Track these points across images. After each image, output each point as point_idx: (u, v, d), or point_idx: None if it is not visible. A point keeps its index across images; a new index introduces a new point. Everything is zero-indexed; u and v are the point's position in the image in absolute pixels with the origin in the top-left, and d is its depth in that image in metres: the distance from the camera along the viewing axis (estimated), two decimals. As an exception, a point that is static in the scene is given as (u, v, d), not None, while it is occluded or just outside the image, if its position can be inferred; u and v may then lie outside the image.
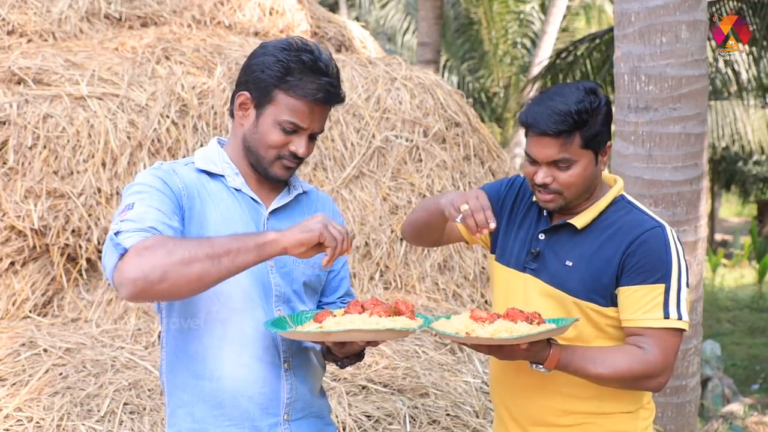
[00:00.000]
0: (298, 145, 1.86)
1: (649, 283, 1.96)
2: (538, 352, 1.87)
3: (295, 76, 1.82)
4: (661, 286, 1.96)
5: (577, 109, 1.93)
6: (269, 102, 1.84)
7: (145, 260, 1.62)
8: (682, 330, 1.98)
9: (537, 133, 1.97)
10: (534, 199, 2.15)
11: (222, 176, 1.91)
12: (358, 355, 1.91)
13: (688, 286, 2.01)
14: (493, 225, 1.92)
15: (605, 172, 2.15)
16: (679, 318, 1.96)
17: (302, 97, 1.83)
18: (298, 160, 1.89)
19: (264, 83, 1.84)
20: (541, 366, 1.92)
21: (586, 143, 1.97)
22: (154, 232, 1.69)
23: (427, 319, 1.82)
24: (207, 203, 1.86)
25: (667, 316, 1.95)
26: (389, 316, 1.76)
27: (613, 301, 2.01)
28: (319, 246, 1.70)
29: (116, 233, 1.68)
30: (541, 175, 1.99)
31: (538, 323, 1.83)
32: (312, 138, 1.89)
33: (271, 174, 1.89)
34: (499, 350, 1.85)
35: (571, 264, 2.03)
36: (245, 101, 1.88)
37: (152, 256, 1.62)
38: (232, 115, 1.93)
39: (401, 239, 4.39)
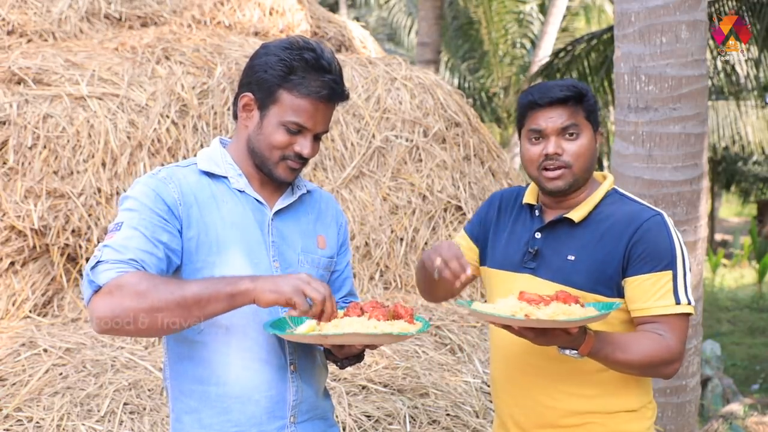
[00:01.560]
0: (303, 145, 1.85)
1: (658, 270, 1.97)
2: (578, 336, 1.85)
3: (298, 74, 1.81)
4: (669, 273, 1.98)
5: (574, 83, 2.06)
6: (273, 102, 1.83)
7: (116, 301, 1.64)
8: (690, 314, 2.00)
9: (546, 104, 2.04)
10: (525, 201, 2.17)
11: (225, 178, 1.89)
12: (358, 357, 1.90)
13: (690, 270, 2.03)
14: (469, 271, 1.88)
15: (595, 171, 2.18)
16: (689, 303, 1.99)
17: (306, 95, 1.81)
18: (303, 160, 1.88)
19: (267, 83, 1.83)
20: (575, 351, 1.89)
21: (588, 115, 2.06)
22: (133, 265, 1.69)
23: (427, 323, 1.81)
24: (207, 207, 1.84)
25: (678, 302, 1.97)
26: (388, 319, 1.75)
27: (619, 292, 2.02)
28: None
29: (95, 265, 1.69)
30: (552, 146, 2.03)
31: (581, 306, 1.81)
32: (317, 138, 1.88)
33: (275, 175, 1.88)
34: (543, 334, 1.81)
35: (573, 258, 2.04)
36: (249, 102, 1.87)
37: (124, 299, 1.63)
38: (235, 117, 1.92)
39: (401, 239, 4.40)
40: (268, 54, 1.85)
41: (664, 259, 1.98)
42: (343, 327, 1.69)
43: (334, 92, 1.84)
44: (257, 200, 1.90)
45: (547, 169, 2.05)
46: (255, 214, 1.89)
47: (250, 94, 1.86)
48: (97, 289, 1.67)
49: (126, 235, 1.73)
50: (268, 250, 1.88)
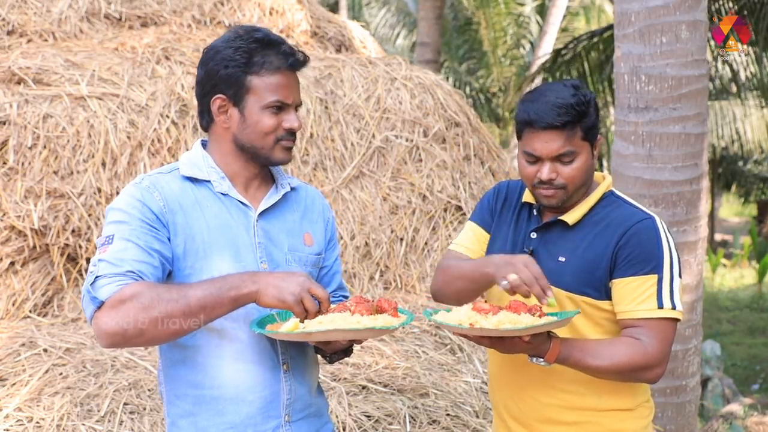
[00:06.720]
0: (290, 120, 1.87)
1: (642, 274, 1.97)
2: (539, 345, 1.87)
3: (259, 55, 1.84)
4: (654, 277, 1.97)
5: (575, 101, 1.98)
6: (247, 92, 1.84)
7: (121, 316, 1.66)
8: (676, 320, 1.99)
9: (542, 128, 1.98)
10: (524, 199, 2.17)
11: (208, 182, 1.89)
12: (345, 351, 1.93)
13: (680, 276, 2.02)
14: (551, 297, 1.84)
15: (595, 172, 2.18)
16: (673, 307, 1.97)
17: (276, 69, 1.84)
18: (294, 136, 1.90)
19: (234, 77, 1.84)
20: (542, 359, 1.91)
21: (585, 134, 2.01)
22: (132, 277, 1.70)
23: (411, 315, 1.83)
24: (192, 213, 1.84)
25: (660, 306, 1.96)
26: (371, 314, 1.77)
27: (607, 294, 2.02)
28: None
29: (93, 281, 1.70)
30: (546, 171, 2.01)
31: (540, 315, 1.82)
32: (296, 111, 1.91)
33: (273, 160, 1.89)
34: (501, 343, 1.84)
35: (563, 260, 2.05)
36: (222, 104, 1.86)
37: (129, 312, 1.66)
38: (204, 127, 1.92)
39: (401, 239, 4.39)
40: (219, 51, 1.86)
41: (649, 263, 1.97)
42: (327, 323, 1.72)
43: (296, 58, 1.88)
44: (241, 202, 1.91)
45: (541, 189, 2.05)
46: (240, 217, 1.89)
47: (221, 95, 1.86)
48: (99, 305, 1.68)
49: (119, 248, 1.73)
50: (254, 251, 1.88)
